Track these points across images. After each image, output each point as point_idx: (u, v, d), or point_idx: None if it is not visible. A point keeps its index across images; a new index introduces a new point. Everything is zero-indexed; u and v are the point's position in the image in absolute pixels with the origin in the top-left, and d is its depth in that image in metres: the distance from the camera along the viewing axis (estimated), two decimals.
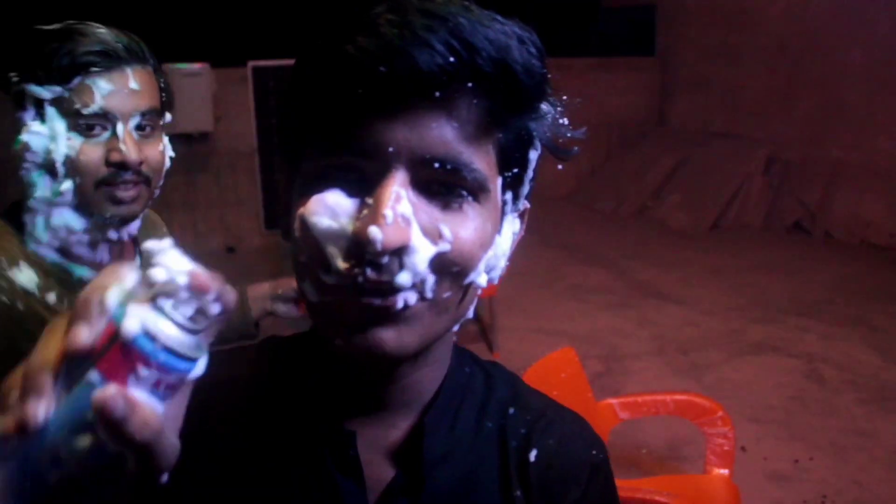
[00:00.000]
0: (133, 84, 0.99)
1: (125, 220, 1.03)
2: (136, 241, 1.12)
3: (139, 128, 1.01)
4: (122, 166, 0.98)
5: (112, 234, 1.04)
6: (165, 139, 1.07)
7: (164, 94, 1.05)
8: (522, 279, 5.44)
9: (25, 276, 0.97)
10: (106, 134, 0.99)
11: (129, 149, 0.98)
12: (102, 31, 0.99)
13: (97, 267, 1.04)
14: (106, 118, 0.98)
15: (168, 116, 1.09)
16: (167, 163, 1.07)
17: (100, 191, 0.99)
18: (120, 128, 0.98)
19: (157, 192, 1.06)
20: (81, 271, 1.03)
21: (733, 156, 7.45)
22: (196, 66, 6.10)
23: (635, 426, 3.27)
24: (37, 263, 0.99)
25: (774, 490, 3.02)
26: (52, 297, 0.98)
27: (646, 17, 8.98)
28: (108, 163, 0.98)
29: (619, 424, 2.54)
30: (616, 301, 5.22)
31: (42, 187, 0.97)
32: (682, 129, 8.40)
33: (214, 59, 5.90)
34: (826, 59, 6.97)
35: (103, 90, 0.97)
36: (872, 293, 5.27)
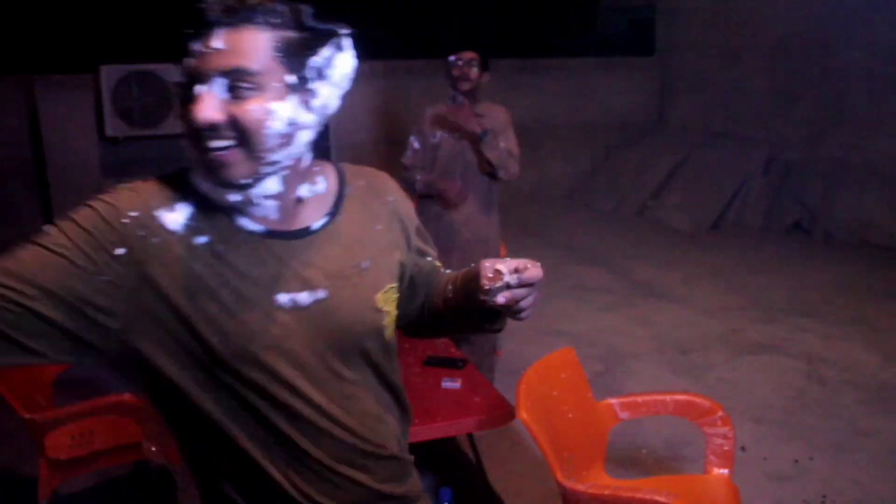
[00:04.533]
0: (218, 43, 0.98)
1: (228, 184, 1.02)
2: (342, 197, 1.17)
3: (231, 88, 0.99)
4: (198, 126, 0.98)
5: (232, 197, 1.03)
6: (276, 103, 1.01)
7: (283, 55, 1.01)
8: None
9: (172, 219, 1.03)
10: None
11: (196, 108, 0.98)
12: None
13: (264, 222, 1.07)
14: (193, 79, 1.00)
15: (297, 80, 1.03)
16: (272, 126, 1.00)
17: (195, 150, 1.02)
18: (198, 87, 0.99)
19: (266, 157, 1.02)
20: (245, 222, 1.07)
21: (733, 156, 7.45)
22: None
23: (635, 426, 3.27)
24: (206, 209, 1.05)
25: (774, 490, 3.02)
26: (201, 240, 1.04)
27: (646, 17, 8.99)
28: (188, 123, 1.00)
29: (619, 424, 2.54)
30: (616, 301, 5.22)
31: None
32: (682, 129, 8.40)
33: None
34: (826, 59, 6.97)
35: (195, 51, 1.00)
36: (872, 293, 5.27)
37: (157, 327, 1.02)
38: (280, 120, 1.01)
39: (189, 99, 1.00)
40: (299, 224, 1.11)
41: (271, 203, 1.07)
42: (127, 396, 2.57)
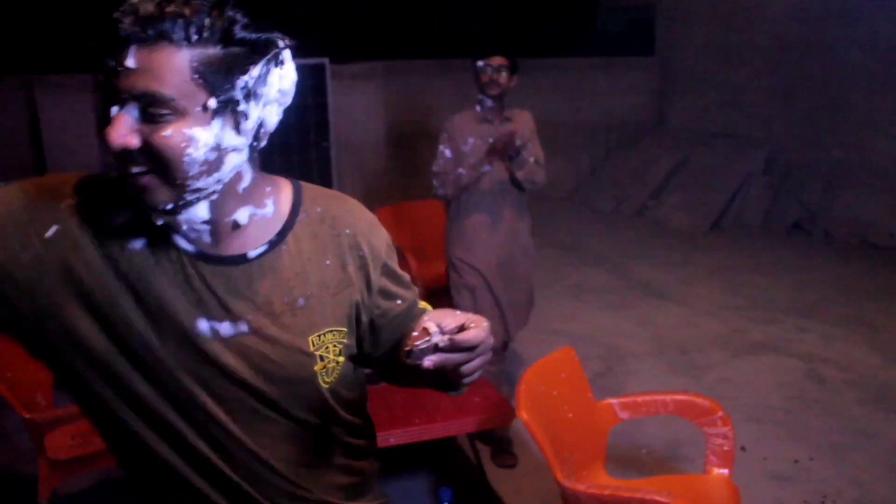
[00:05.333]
0: (130, 62, 0.87)
1: (150, 209, 0.95)
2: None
3: (144, 113, 0.89)
4: (111, 150, 0.91)
5: (158, 220, 0.96)
6: (197, 129, 0.90)
7: (200, 78, 0.90)
8: None
9: (111, 217, 0.98)
10: None
11: (109, 132, 0.89)
12: (135, 2, 0.89)
13: (197, 242, 1.00)
14: (109, 98, 0.91)
15: (222, 103, 0.92)
16: (192, 154, 0.91)
17: (119, 171, 0.95)
18: (112, 109, 0.90)
19: (189, 184, 0.93)
20: (178, 238, 1.00)
21: (733, 156, 7.45)
22: None
23: (635, 426, 3.27)
24: (145, 217, 0.97)
25: (774, 490, 3.02)
26: (134, 245, 0.98)
27: (646, 17, 8.99)
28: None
29: (619, 424, 2.54)
30: (616, 301, 5.22)
31: None
32: (682, 129, 8.40)
33: None
34: (826, 59, 6.97)
35: (107, 69, 0.90)
36: (872, 293, 5.27)
37: (73, 323, 0.97)
38: (202, 147, 0.91)
39: (107, 119, 0.91)
40: (235, 250, 1.02)
41: (203, 227, 0.99)
42: None
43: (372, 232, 1.14)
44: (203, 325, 0.99)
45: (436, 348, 0.92)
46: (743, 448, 3.23)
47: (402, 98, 7.31)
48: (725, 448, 2.40)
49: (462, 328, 0.93)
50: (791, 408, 3.68)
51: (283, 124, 1.03)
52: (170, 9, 0.87)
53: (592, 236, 6.95)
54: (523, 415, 2.12)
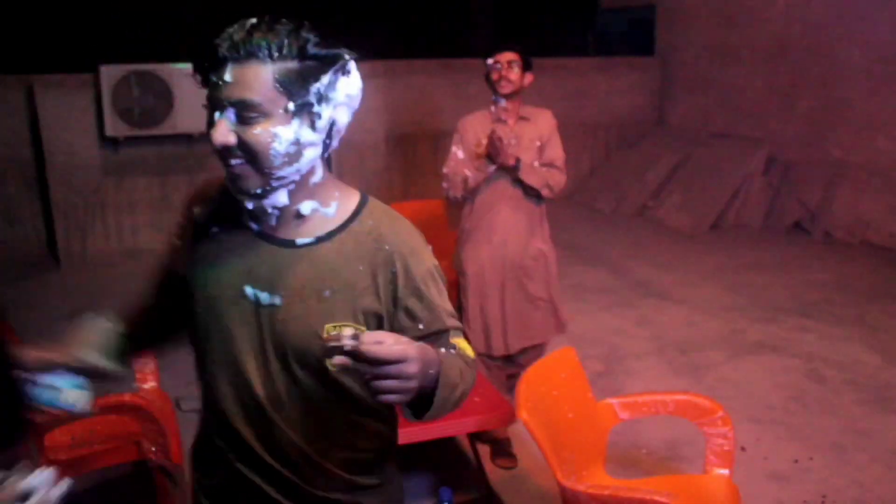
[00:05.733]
0: (227, 76, 1.12)
1: (244, 193, 1.19)
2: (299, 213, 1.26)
3: (240, 116, 1.13)
4: (215, 147, 1.15)
5: (248, 204, 1.21)
6: (280, 127, 1.14)
7: (281, 86, 1.13)
8: None
9: (217, 208, 1.29)
10: None
11: (213, 132, 1.14)
12: (231, 28, 1.14)
13: (262, 225, 1.25)
14: (212, 106, 1.16)
15: (299, 106, 1.14)
16: (276, 147, 1.14)
17: (221, 164, 1.19)
18: (215, 114, 1.15)
19: (274, 173, 1.16)
20: (250, 222, 1.26)
21: (733, 156, 7.45)
22: None
23: (635, 426, 3.27)
24: (236, 202, 1.23)
25: (774, 490, 3.02)
26: (221, 223, 1.27)
27: (646, 17, 8.99)
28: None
29: (619, 424, 2.54)
30: (616, 301, 5.22)
31: None
32: (682, 129, 8.40)
33: None
34: (826, 59, 6.97)
35: (210, 82, 1.15)
36: (872, 293, 5.27)
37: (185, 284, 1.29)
38: (284, 142, 1.14)
39: (211, 123, 1.16)
40: (288, 235, 1.23)
41: (274, 211, 1.22)
42: (127, 396, 2.57)
43: (411, 255, 1.25)
44: (248, 290, 1.22)
45: (342, 351, 0.99)
46: (743, 448, 3.23)
47: (403, 98, 7.31)
48: (725, 448, 2.40)
49: (377, 342, 1.02)
50: (791, 408, 3.69)
51: None
52: (257, 34, 1.12)
53: (592, 236, 6.95)
54: (523, 415, 2.12)
